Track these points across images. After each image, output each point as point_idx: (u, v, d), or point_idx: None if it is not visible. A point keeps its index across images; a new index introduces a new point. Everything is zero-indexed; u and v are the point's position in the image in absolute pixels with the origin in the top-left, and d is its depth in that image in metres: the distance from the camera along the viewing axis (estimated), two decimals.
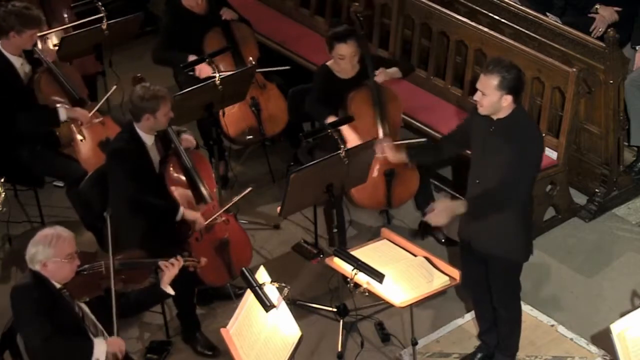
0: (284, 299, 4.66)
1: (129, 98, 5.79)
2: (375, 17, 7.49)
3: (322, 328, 5.96)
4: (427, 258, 5.27)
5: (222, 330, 4.95)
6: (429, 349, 5.81)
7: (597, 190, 6.75)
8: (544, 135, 5.59)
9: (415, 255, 5.31)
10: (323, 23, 7.75)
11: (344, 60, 6.38)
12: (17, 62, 6.37)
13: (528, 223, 5.24)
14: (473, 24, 6.84)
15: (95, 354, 4.67)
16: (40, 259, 4.65)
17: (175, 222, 5.74)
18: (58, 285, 4.72)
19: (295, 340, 4.47)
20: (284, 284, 4.70)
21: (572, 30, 6.57)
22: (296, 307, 5.97)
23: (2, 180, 5.97)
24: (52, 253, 4.65)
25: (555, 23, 6.77)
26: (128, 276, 5.22)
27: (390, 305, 5.26)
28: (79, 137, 6.47)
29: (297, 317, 4.59)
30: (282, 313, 4.61)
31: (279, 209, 5.79)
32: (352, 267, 5.05)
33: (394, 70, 6.57)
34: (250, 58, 6.89)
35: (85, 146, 6.48)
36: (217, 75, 6.38)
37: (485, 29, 6.77)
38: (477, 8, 7.08)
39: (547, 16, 6.90)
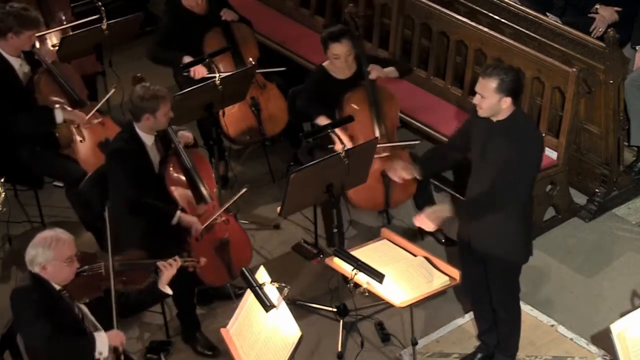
0: (284, 299, 4.66)
1: (129, 98, 5.79)
2: (375, 17, 7.49)
3: (322, 328, 5.96)
4: (427, 258, 5.27)
5: (222, 330, 4.95)
6: (429, 349, 5.81)
7: (597, 190, 6.75)
8: (544, 135, 5.58)
9: (415, 255, 5.31)
10: (323, 23, 7.74)
11: (338, 59, 6.39)
12: (16, 63, 6.37)
13: (528, 223, 5.24)
14: (473, 24, 6.83)
15: (97, 348, 4.67)
16: (40, 262, 4.64)
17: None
18: (58, 287, 4.70)
19: (295, 340, 4.47)
20: (284, 284, 4.70)
21: (572, 30, 6.56)
22: (296, 307, 5.96)
23: (2, 180, 5.97)
24: (51, 256, 4.63)
25: (555, 23, 6.77)
26: (128, 277, 5.20)
27: (390, 305, 5.26)
28: (78, 138, 6.46)
29: (297, 317, 4.59)
30: (282, 313, 4.61)
31: (279, 209, 5.79)
32: (352, 267, 5.06)
33: (390, 69, 6.56)
34: (250, 58, 6.89)
35: (85, 147, 6.47)
36: (217, 75, 6.39)
37: (485, 29, 6.76)
38: (477, 8, 7.07)
39: (547, 16, 6.90)
